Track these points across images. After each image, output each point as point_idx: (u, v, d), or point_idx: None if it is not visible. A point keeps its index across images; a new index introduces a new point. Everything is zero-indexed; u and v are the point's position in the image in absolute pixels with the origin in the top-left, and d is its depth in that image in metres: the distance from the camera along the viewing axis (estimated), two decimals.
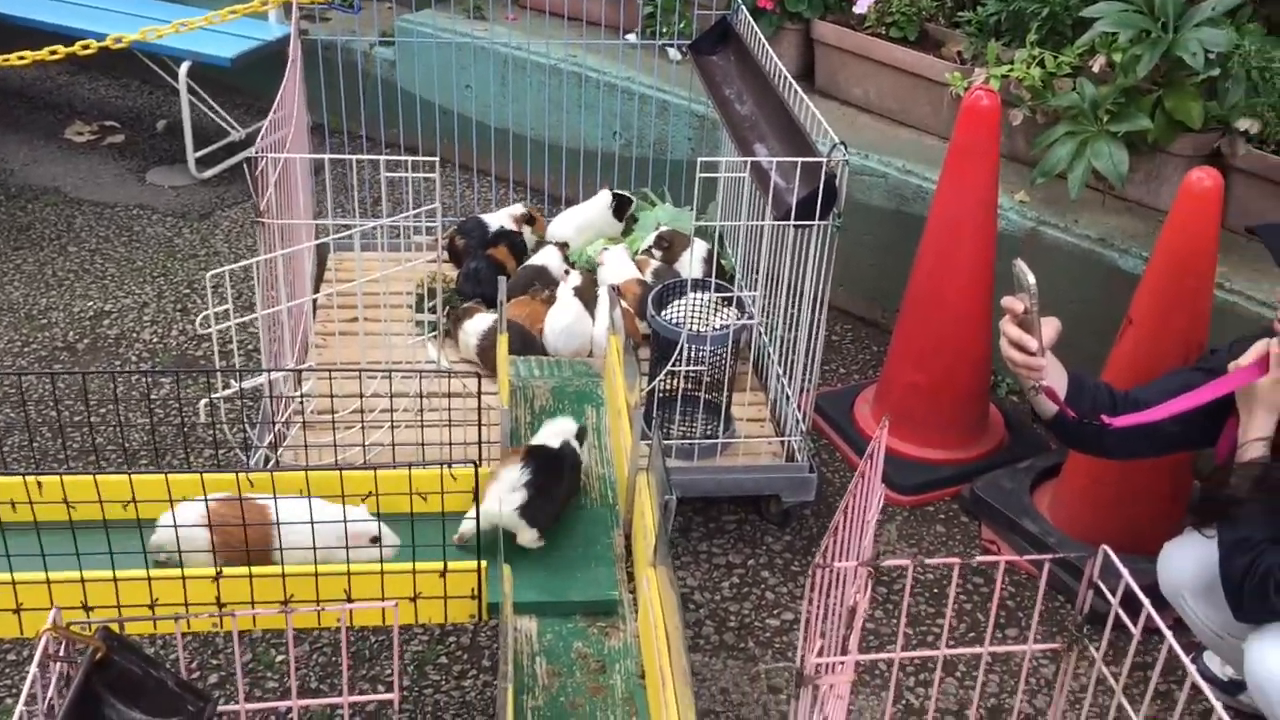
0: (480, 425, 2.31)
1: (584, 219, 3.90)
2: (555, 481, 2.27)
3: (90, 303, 4.02)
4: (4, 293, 4.05)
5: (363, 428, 2.63)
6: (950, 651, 1.55)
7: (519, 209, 3.89)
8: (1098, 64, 3.39)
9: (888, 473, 2.51)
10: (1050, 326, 2.16)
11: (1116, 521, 2.90)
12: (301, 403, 2.81)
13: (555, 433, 2.38)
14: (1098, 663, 1.54)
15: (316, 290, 3.55)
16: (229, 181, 4.85)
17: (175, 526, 1.98)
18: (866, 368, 3.86)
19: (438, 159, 2.81)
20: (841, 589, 1.51)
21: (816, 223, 2.75)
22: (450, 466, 2.12)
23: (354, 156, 2.87)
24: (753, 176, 2.94)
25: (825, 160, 2.71)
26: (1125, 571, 1.42)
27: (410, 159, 2.74)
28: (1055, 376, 2.22)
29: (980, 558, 1.89)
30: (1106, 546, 1.48)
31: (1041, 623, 2.85)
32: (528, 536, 2.23)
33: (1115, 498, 2.90)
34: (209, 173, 4.86)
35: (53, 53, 3.83)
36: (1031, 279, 2.03)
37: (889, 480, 3.17)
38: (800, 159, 2.75)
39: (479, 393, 2.33)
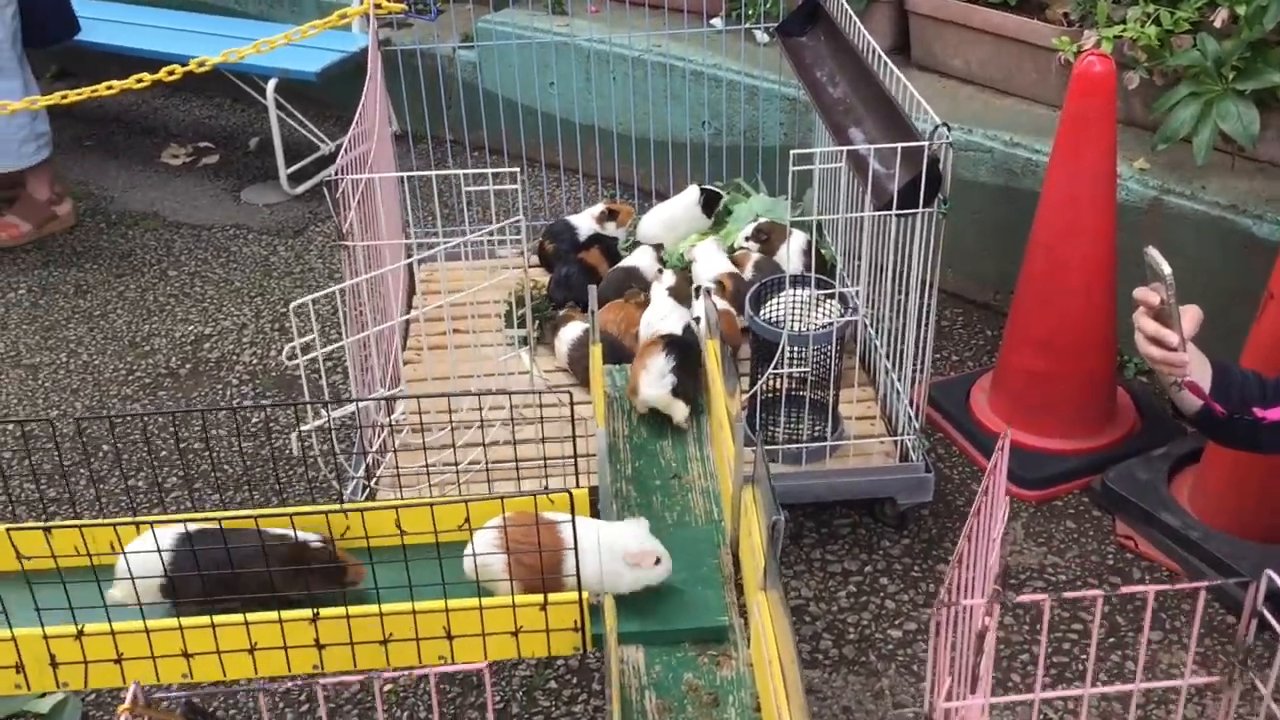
0: (575, 438, 2.22)
1: (671, 215, 3.78)
2: (693, 362, 2.58)
3: (191, 327, 4.04)
4: (108, 321, 4.10)
5: (453, 449, 2.56)
6: (1096, 690, 1.40)
7: (599, 207, 3.78)
8: (1220, 18, 3.16)
9: (1011, 466, 2.35)
10: (1190, 318, 1.96)
11: (1265, 512, 2.68)
12: (392, 430, 2.75)
13: (678, 319, 2.73)
14: (1267, 699, 1.38)
15: (409, 303, 3.50)
16: (321, 196, 4.84)
17: (474, 555, 2.00)
18: (980, 354, 3.66)
19: (520, 170, 2.72)
20: (969, 621, 1.38)
21: (920, 210, 2.59)
22: (546, 493, 2.03)
23: (434, 173, 2.78)
24: (850, 164, 2.78)
25: (927, 143, 2.55)
26: None
27: (491, 171, 2.65)
28: (1198, 369, 2.03)
29: (1125, 588, 1.72)
30: (1272, 572, 1.31)
31: (1189, 625, 2.65)
32: (681, 412, 2.49)
33: (1263, 486, 2.68)
34: (301, 188, 4.86)
35: (139, 80, 3.83)
36: (1167, 268, 1.85)
37: (1012, 474, 2.99)
38: (900, 144, 2.59)
39: (571, 405, 2.23)
